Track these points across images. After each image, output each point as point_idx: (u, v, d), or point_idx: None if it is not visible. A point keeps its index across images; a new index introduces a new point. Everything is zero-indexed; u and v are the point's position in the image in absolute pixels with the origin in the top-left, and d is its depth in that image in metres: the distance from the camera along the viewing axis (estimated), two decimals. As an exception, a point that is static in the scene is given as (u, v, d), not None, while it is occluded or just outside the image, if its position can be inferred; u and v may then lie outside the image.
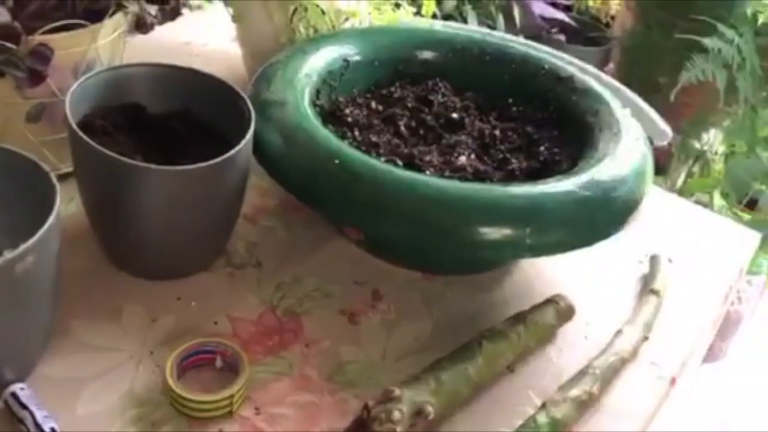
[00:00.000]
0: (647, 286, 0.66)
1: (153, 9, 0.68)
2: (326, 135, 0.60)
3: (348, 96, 0.71)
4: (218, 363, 0.54)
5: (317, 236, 0.67)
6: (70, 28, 0.61)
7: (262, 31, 0.80)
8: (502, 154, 0.67)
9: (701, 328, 0.66)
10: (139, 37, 0.70)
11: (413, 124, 0.69)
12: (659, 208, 0.75)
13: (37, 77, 0.59)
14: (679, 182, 1.64)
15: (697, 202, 0.93)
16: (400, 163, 0.62)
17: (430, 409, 0.49)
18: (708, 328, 0.67)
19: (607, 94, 0.71)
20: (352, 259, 0.65)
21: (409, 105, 0.71)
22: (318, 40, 0.74)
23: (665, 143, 0.85)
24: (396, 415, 0.48)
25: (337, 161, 0.57)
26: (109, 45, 0.65)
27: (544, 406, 0.54)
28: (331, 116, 0.68)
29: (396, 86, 0.74)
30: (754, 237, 0.78)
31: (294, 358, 0.56)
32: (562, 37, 2.00)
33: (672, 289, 0.67)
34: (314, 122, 0.61)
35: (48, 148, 0.64)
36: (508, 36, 0.93)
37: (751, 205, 1.61)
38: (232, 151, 0.55)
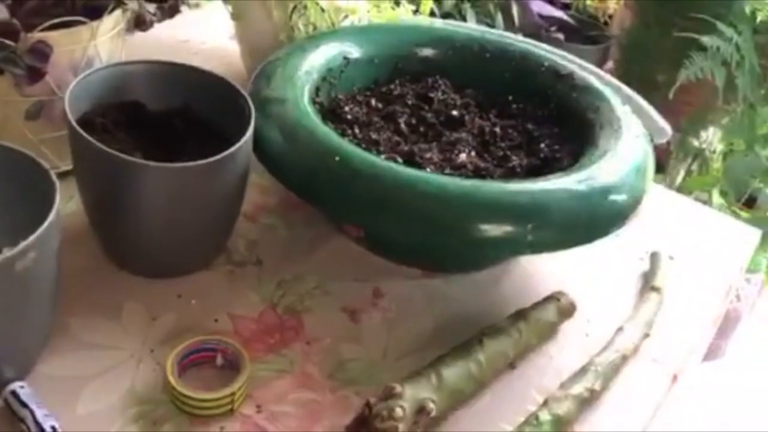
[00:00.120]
0: (648, 283, 0.66)
1: (152, 6, 0.68)
2: (326, 132, 0.59)
3: (348, 93, 0.71)
4: (219, 361, 0.53)
5: (318, 234, 0.67)
6: (69, 25, 0.61)
7: (261, 29, 0.79)
8: (502, 152, 0.67)
9: (702, 325, 0.66)
10: (138, 35, 0.70)
11: (413, 121, 0.69)
12: (660, 206, 0.75)
13: (36, 74, 0.59)
14: (678, 180, 1.64)
15: (696, 200, 0.93)
16: (400, 160, 0.62)
17: (432, 405, 0.49)
18: (709, 325, 0.67)
19: (607, 91, 0.71)
20: (352, 257, 0.65)
21: (409, 102, 0.71)
22: (318, 37, 0.74)
23: (665, 141, 0.85)
24: (398, 412, 0.47)
25: (337, 158, 0.56)
26: (108, 42, 0.65)
27: (545, 403, 0.53)
28: (330, 114, 0.67)
29: (396, 83, 0.74)
30: (755, 234, 0.78)
31: (295, 356, 0.56)
32: (560, 36, 2.00)
33: (673, 287, 0.67)
34: (314, 119, 0.61)
35: (47, 146, 0.64)
36: (507, 34, 0.92)
37: (750, 203, 1.61)
38: (233, 149, 0.55)
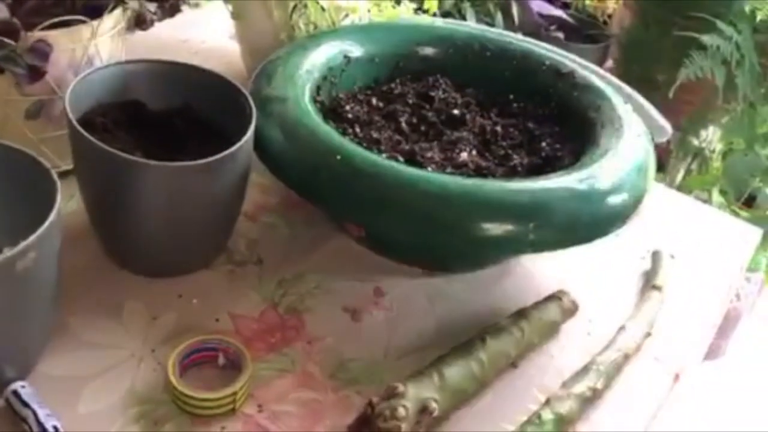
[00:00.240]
0: (649, 282, 0.66)
1: (152, 6, 0.68)
2: (328, 131, 0.59)
3: (349, 92, 0.71)
4: (220, 360, 0.53)
5: (318, 233, 0.67)
6: (69, 24, 0.61)
7: (262, 28, 0.79)
8: (503, 150, 0.67)
9: (704, 324, 0.66)
10: (138, 34, 0.70)
11: (414, 120, 0.69)
12: (661, 205, 0.75)
13: (36, 74, 0.59)
14: (678, 179, 1.64)
15: (696, 199, 0.93)
16: (401, 159, 0.62)
17: (434, 405, 0.49)
18: (711, 324, 0.67)
19: (608, 90, 0.70)
20: (353, 256, 0.65)
21: (410, 101, 0.71)
22: (318, 36, 0.74)
23: (665, 140, 0.85)
24: (401, 411, 0.47)
25: (339, 157, 0.56)
26: (109, 41, 0.65)
27: (548, 402, 0.53)
28: (331, 113, 0.67)
29: (396, 82, 0.74)
30: (756, 233, 0.77)
31: (296, 356, 0.56)
32: (560, 35, 2.00)
33: (674, 285, 0.67)
34: (315, 118, 0.61)
35: (47, 146, 0.64)
36: (507, 33, 0.92)
37: (749, 202, 1.61)
38: (233, 148, 0.55)
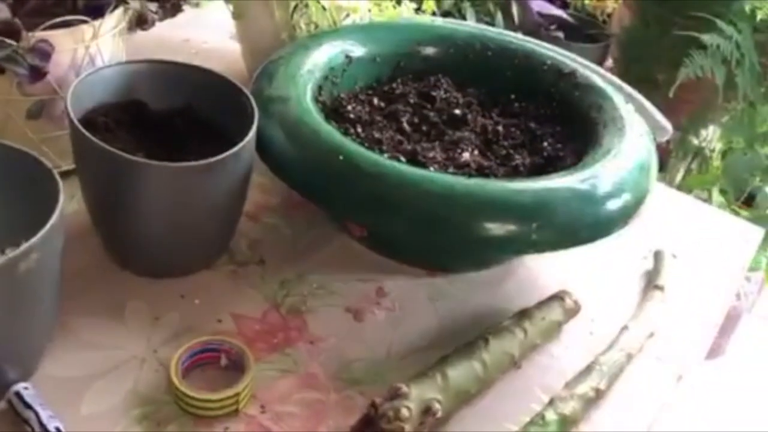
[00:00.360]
0: (651, 282, 0.66)
1: (153, 5, 0.68)
2: (329, 131, 0.59)
3: (350, 92, 0.71)
4: (223, 361, 0.53)
5: (320, 233, 0.67)
6: (70, 24, 0.60)
7: (263, 28, 0.79)
8: (505, 150, 0.66)
9: (706, 323, 0.66)
10: (139, 34, 0.69)
11: (416, 120, 0.69)
12: (662, 204, 0.75)
13: (37, 74, 0.59)
14: (678, 179, 1.64)
15: (696, 199, 0.93)
16: (403, 159, 0.62)
17: (438, 406, 0.49)
18: (713, 323, 0.67)
19: (610, 90, 0.70)
20: (355, 257, 0.65)
21: (412, 101, 0.71)
22: (319, 36, 0.74)
23: (666, 140, 0.85)
24: (404, 412, 0.47)
25: (341, 157, 0.56)
26: (110, 41, 0.65)
27: (551, 402, 0.53)
28: (333, 113, 0.67)
29: (398, 82, 0.74)
30: (758, 232, 0.77)
31: (299, 356, 0.56)
32: (560, 34, 2.00)
33: (676, 285, 0.66)
34: (317, 118, 0.61)
35: (48, 146, 0.63)
36: (507, 32, 0.92)
37: (749, 201, 1.61)
38: (235, 148, 0.55)
